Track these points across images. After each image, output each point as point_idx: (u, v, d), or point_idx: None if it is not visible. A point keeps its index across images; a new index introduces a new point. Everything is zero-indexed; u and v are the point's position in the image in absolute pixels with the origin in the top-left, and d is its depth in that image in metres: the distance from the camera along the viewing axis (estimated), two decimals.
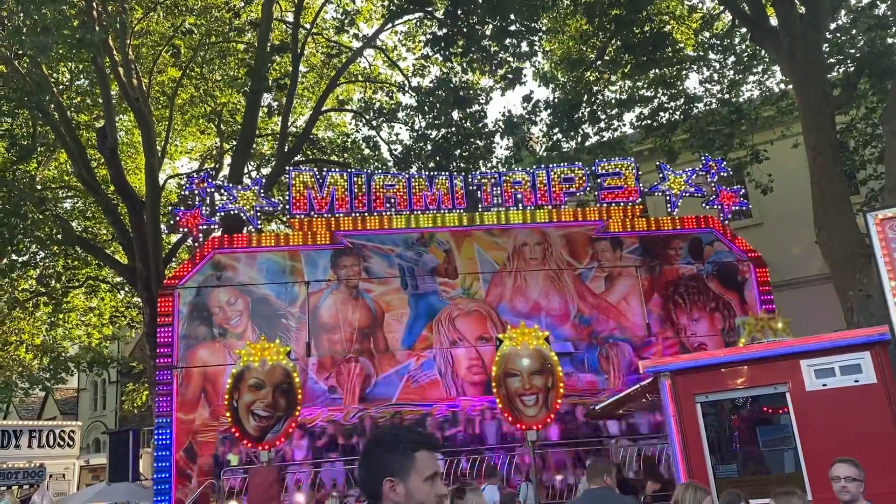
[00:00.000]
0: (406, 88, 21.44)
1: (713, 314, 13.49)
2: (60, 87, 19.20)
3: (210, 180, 13.18)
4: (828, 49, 14.55)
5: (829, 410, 6.34)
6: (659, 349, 13.06)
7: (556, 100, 18.34)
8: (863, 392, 6.30)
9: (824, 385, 6.40)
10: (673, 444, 6.73)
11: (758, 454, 6.96)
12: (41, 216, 18.34)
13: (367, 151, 22.32)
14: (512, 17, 14.16)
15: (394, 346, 12.74)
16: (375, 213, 13.02)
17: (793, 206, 17.04)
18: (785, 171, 17.40)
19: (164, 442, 11.73)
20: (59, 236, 19.52)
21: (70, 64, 18.49)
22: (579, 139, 18.55)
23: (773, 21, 13.92)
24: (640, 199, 13.68)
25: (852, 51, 14.93)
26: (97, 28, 15.53)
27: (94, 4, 15.98)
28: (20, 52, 15.30)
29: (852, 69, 14.51)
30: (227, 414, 10.85)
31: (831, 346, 6.51)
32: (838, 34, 15.31)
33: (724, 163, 14.69)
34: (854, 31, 15.05)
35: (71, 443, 21.15)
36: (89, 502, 15.99)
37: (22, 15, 13.02)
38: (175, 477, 11.56)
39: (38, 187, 20.76)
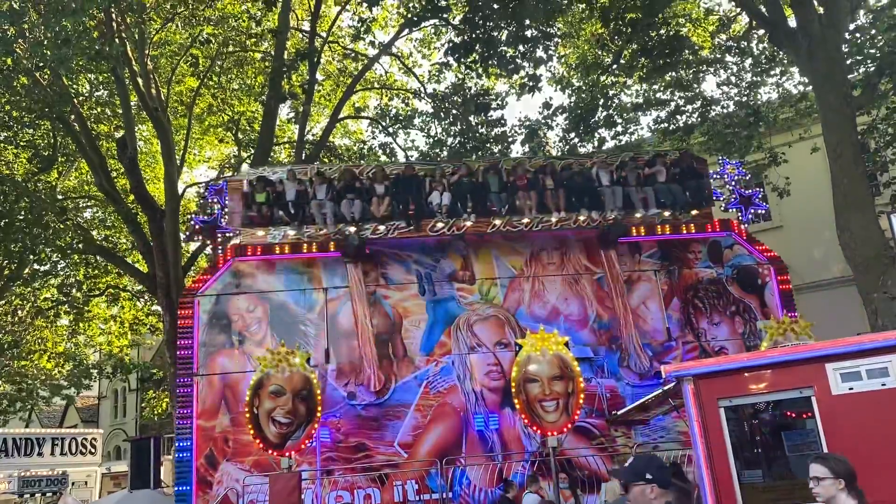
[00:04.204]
0: (422, 95, 21.50)
1: (734, 318, 13.37)
2: (80, 98, 19.42)
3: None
4: (847, 49, 14.40)
5: (855, 414, 6.23)
6: (679, 354, 12.96)
7: (571, 104, 18.29)
8: (890, 395, 6.19)
9: (850, 389, 6.29)
10: (696, 449, 6.65)
11: (783, 459, 6.86)
12: (62, 226, 18.52)
13: (383, 158, 22.39)
14: (528, 22, 14.14)
15: (412, 351, 12.74)
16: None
17: (813, 208, 16.86)
18: (804, 174, 17.23)
19: (184, 449, 11.79)
20: (80, 245, 19.72)
21: (90, 75, 18.73)
22: (596, 143, 18.50)
23: (792, 22, 13.80)
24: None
25: (872, 51, 14.77)
26: (116, 39, 15.71)
27: (114, 16, 16.17)
28: (41, 64, 15.48)
29: (872, 69, 14.34)
30: (248, 421, 10.87)
31: (857, 349, 6.39)
32: (858, 34, 15.15)
33: (742, 166, 14.60)
34: (874, 31, 14.89)
35: (93, 450, 21.33)
36: None
37: (43, 27, 13.19)
38: (196, 484, 11.61)
39: (60, 197, 21.01)
